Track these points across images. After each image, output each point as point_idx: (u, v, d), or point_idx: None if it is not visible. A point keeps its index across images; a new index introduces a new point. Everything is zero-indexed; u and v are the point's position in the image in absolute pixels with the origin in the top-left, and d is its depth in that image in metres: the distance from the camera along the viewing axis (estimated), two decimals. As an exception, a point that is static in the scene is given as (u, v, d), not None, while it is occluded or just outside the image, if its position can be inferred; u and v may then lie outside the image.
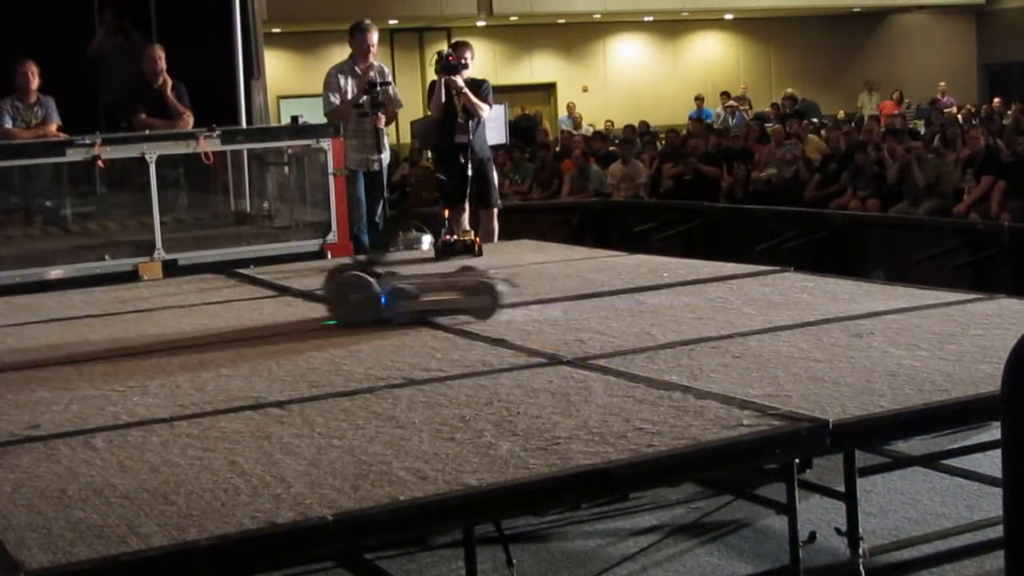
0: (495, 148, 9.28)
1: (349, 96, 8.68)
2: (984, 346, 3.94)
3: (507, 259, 6.73)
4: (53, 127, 8.48)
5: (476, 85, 8.34)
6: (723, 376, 3.74)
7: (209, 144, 7.86)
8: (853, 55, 25.58)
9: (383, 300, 4.78)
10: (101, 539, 2.61)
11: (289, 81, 19.93)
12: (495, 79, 10.74)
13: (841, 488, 3.61)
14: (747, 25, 25.47)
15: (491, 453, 3.08)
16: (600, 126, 21.25)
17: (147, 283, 7.11)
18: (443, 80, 8.15)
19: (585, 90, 24.35)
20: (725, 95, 22.74)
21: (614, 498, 4.25)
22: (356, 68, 8.80)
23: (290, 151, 8.67)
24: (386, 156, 8.92)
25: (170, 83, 8.74)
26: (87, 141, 7.61)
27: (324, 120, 8.60)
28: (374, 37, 8.87)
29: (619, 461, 2.99)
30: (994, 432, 3.94)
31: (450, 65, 8.07)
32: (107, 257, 7.56)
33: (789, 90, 22.17)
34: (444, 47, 9.82)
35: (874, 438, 3.60)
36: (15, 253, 7.72)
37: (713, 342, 4.25)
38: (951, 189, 11.67)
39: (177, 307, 5.69)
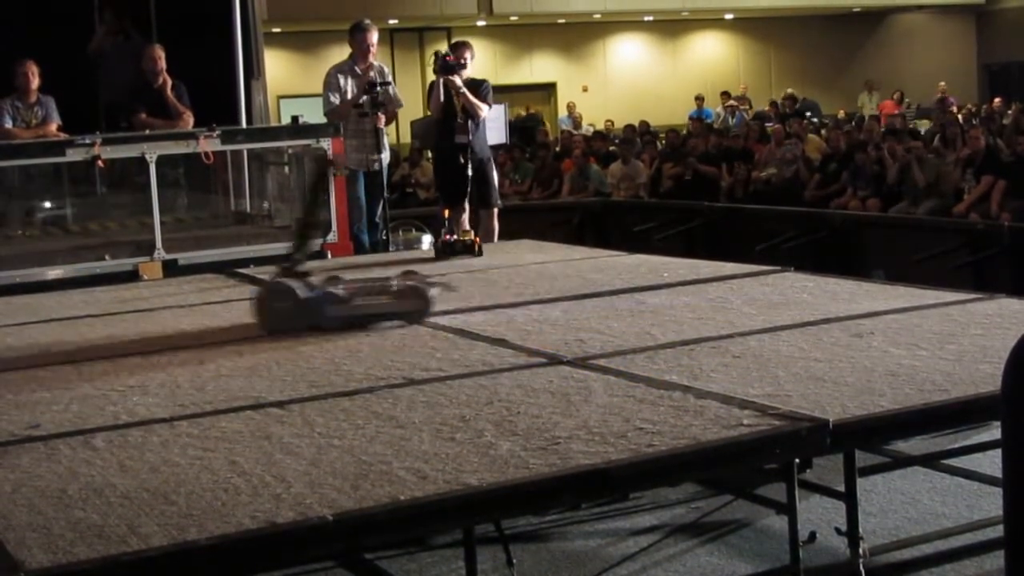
0: (495, 148, 9.29)
1: (349, 96, 8.69)
2: (984, 346, 3.94)
3: (507, 259, 6.74)
4: (53, 127, 8.49)
5: (476, 85, 8.35)
6: (723, 376, 3.74)
7: (209, 144, 7.86)
8: (853, 55, 25.59)
9: (311, 306, 4.76)
10: (101, 539, 2.61)
11: (289, 81, 19.94)
12: (495, 79, 10.74)
13: (841, 488, 3.61)
14: (747, 25, 25.48)
15: (491, 453, 3.08)
16: (600, 126, 21.27)
17: (147, 283, 7.11)
18: (442, 80, 8.15)
19: (585, 90, 24.36)
20: (725, 95, 22.75)
21: (614, 498, 4.25)
22: (356, 68, 8.80)
23: (290, 151, 8.67)
24: (386, 156, 8.93)
25: (170, 83, 8.74)
26: (87, 141, 7.61)
27: (324, 120, 8.60)
28: (374, 37, 8.88)
29: (619, 461, 2.98)
30: (994, 432, 3.94)
31: (448, 65, 8.07)
32: (107, 257, 7.56)
33: (789, 90, 22.19)
34: (444, 47, 9.82)
35: (874, 438, 3.60)
36: (15, 253, 7.72)
37: (713, 342, 4.25)
38: (951, 189, 11.67)
39: (177, 307, 5.68)
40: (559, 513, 4.22)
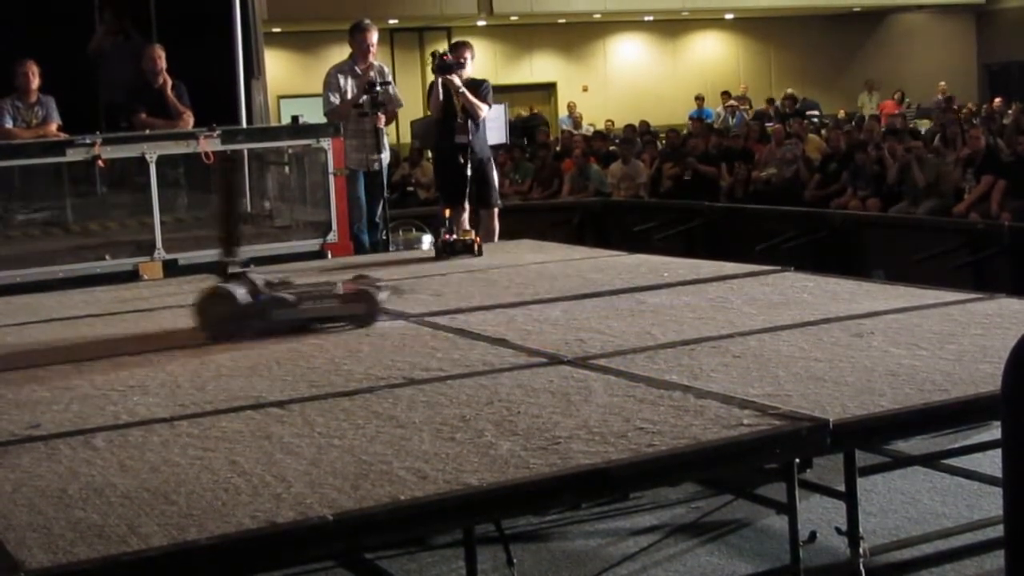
0: (495, 148, 9.29)
1: (349, 96, 8.69)
2: (984, 346, 3.94)
3: (507, 259, 6.74)
4: (53, 127, 8.49)
5: (476, 85, 8.35)
6: (723, 376, 3.74)
7: (209, 144, 7.86)
8: (853, 55, 25.59)
9: (253, 311, 4.76)
10: (101, 539, 2.61)
11: (289, 81, 19.94)
12: (495, 79, 10.74)
13: (841, 488, 3.61)
14: (747, 25, 25.49)
15: (491, 453, 3.08)
16: (600, 126, 21.27)
17: (147, 283, 7.11)
18: (440, 80, 8.15)
19: (585, 90, 24.36)
20: (726, 95, 22.76)
21: (614, 498, 4.25)
22: (356, 68, 8.81)
23: (290, 151, 8.67)
24: (386, 156, 8.93)
25: (170, 83, 8.74)
26: (87, 141, 7.61)
27: (324, 120, 8.60)
28: (374, 37, 8.88)
29: (619, 461, 2.98)
30: (994, 431, 3.94)
31: (445, 65, 8.07)
32: (107, 257, 7.56)
33: (789, 90, 22.20)
34: (444, 47, 9.83)
35: (874, 438, 3.60)
36: (15, 253, 7.72)
37: (713, 342, 4.25)
38: (951, 189, 11.67)
39: (177, 307, 5.68)
40: (559, 513, 4.22)
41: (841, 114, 20.48)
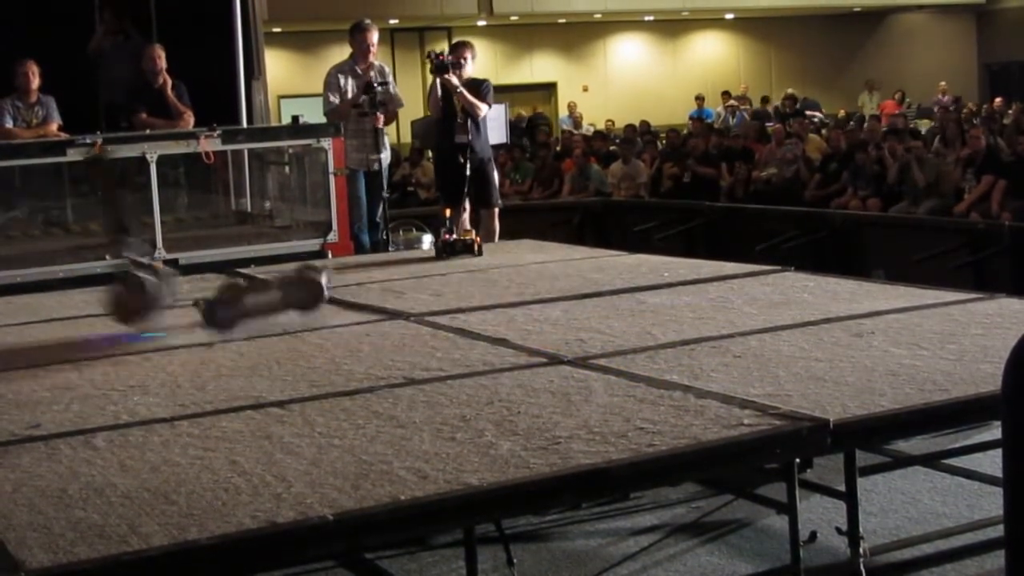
0: (495, 147, 9.28)
1: (349, 96, 8.69)
2: (984, 345, 3.94)
3: (507, 259, 6.74)
4: (54, 127, 8.49)
5: (476, 84, 8.34)
6: (724, 375, 3.74)
7: (210, 144, 7.86)
8: (853, 55, 25.58)
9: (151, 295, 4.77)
10: (102, 539, 2.61)
11: (290, 81, 19.94)
12: (495, 79, 10.71)
13: (842, 487, 3.61)
14: (747, 25, 25.48)
15: (492, 453, 3.08)
16: (601, 126, 21.27)
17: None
18: (438, 80, 8.15)
19: (586, 90, 24.35)
20: (726, 95, 22.76)
21: (615, 498, 4.25)
22: (356, 68, 8.81)
23: (291, 151, 8.67)
24: (386, 156, 8.93)
25: (170, 83, 8.74)
26: (88, 141, 7.61)
27: (324, 120, 8.60)
28: (374, 37, 8.87)
29: (620, 461, 2.99)
30: (995, 431, 3.94)
31: (442, 65, 8.06)
32: (107, 257, 7.56)
33: (789, 90, 22.18)
34: (445, 47, 9.84)
35: (875, 438, 3.59)
36: (15, 253, 7.72)
37: (714, 341, 4.25)
38: (951, 189, 11.67)
39: (177, 307, 5.68)
40: (559, 513, 4.22)
41: (841, 114, 20.49)
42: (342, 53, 9.60)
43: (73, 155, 7.63)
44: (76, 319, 5.53)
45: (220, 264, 7.31)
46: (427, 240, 8.57)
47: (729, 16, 25.02)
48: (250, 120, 9.30)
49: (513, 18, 22.78)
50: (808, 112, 20.17)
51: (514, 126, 17.26)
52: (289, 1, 17.21)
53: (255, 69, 9.56)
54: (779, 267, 5.91)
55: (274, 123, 11.03)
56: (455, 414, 3.46)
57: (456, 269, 6.42)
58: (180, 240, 7.92)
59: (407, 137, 16.33)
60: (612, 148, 16.23)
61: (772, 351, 4.06)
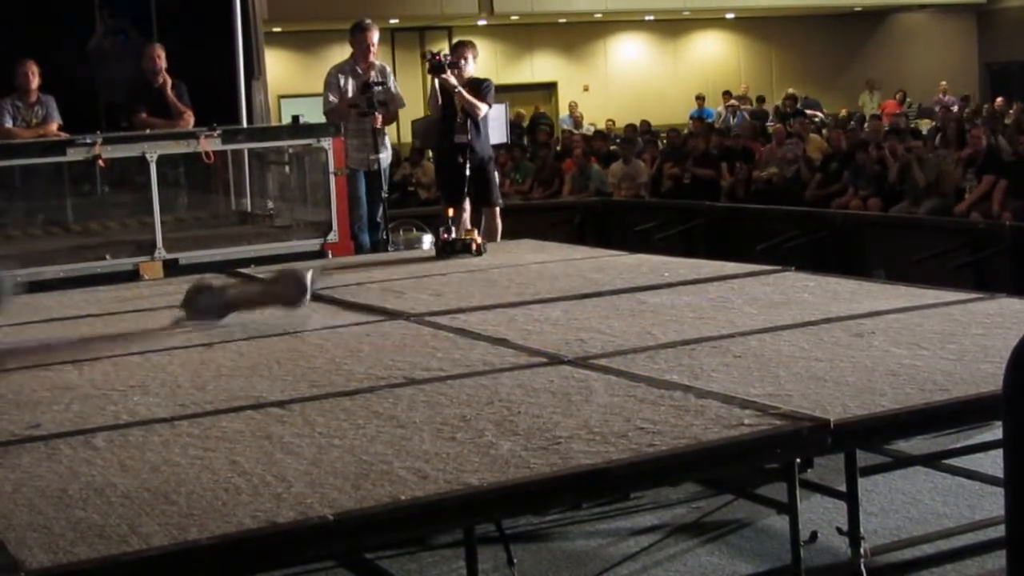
0: (496, 147, 9.28)
1: (350, 96, 8.68)
2: (985, 345, 3.94)
3: (508, 258, 6.73)
4: (54, 126, 8.49)
5: (477, 84, 8.34)
6: (724, 375, 3.74)
7: (210, 143, 7.86)
8: (854, 54, 25.58)
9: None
10: (102, 539, 2.61)
11: (290, 80, 19.93)
12: (496, 79, 10.68)
13: (842, 488, 3.61)
14: (748, 24, 25.48)
15: (492, 453, 3.07)
16: (601, 125, 21.26)
17: (148, 282, 7.11)
18: (436, 80, 8.15)
19: (586, 89, 24.35)
20: (727, 94, 22.76)
21: (615, 498, 4.25)
22: (357, 68, 8.81)
23: (291, 150, 8.67)
24: (387, 155, 8.93)
25: (170, 82, 8.74)
26: (88, 140, 7.61)
27: (324, 119, 8.60)
28: (375, 36, 8.87)
29: (620, 461, 2.98)
30: (995, 431, 3.93)
31: (438, 64, 8.05)
32: (108, 256, 7.56)
33: (790, 90, 22.18)
34: (445, 46, 9.84)
35: (875, 438, 3.59)
36: (15, 253, 7.71)
37: (714, 341, 4.25)
38: (952, 188, 11.66)
39: (178, 307, 5.68)
40: (560, 513, 4.22)
41: (843, 113, 20.48)
42: (342, 53, 9.60)
43: (73, 155, 7.63)
44: (76, 319, 5.53)
45: (220, 264, 7.31)
46: (427, 240, 8.56)
47: (730, 16, 25.02)
48: (250, 120, 9.30)
49: (513, 18, 22.78)
50: (809, 112, 20.16)
51: (514, 125, 17.25)
52: (289, 1, 17.21)
53: (255, 69, 9.57)
54: (779, 267, 5.91)
55: (274, 123, 11.04)
56: (455, 414, 3.46)
57: (456, 269, 6.42)
58: (180, 240, 7.92)
59: (407, 137, 16.33)
60: (612, 148, 16.22)
61: (772, 351, 4.05)
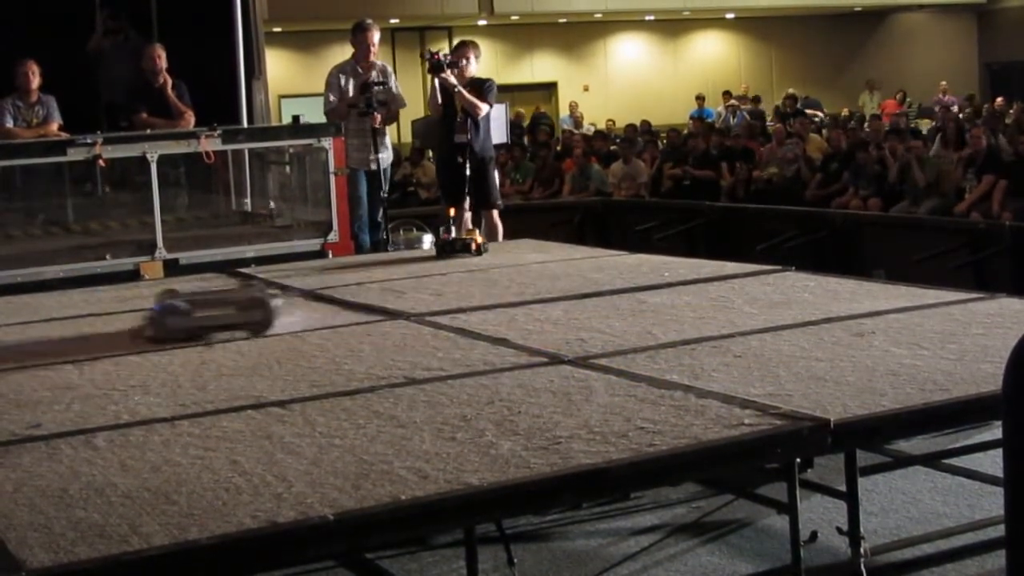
0: (496, 147, 9.28)
1: (351, 95, 8.68)
2: (985, 345, 3.94)
3: (508, 258, 6.74)
4: (54, 126, 8.48)
5: (479, 84, 8.33)
6: (724, 375, 3.74)
7: (210, 143, 7.86)
8: (854, 54, 25.57)
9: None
10: (102, 538, 2.61)
11: (290, 80, 19.93)
12: (496, 78, 10.68)
13: (842, 487, 3.61)
14: (748, 24, 25.47)
15: (492, 452, 3.08)
16: (601, 125, 21.26)
17: (148, 282, 7.11)
18: (437, 79, 8.15)
19: (586, 89, 24.34)
20: (727, 94, 22.75)
21: (615, 497, 4.25)
22: (357, 68, 8.81)
23: (291, 150, 8.67)
24: (388, 155, 8.92)
25: (171, 82, 8.74)
26: (88, 140, 7.61)
27: (325, 119, 8.60)
28: (375, 36, 8.87)
29: (620, 460, 2.98)
30: (995, 431, 3.94)
31: (437, 64, 8.05)
32: (108, 256, 7.56)
33: (790, 90, 22.17)
34: (445, 46, 9.83)
35: (875, 437, 3.60)
36: (16, 252, 7.72)
37: (714, 341, 4.25)
38: (952, 188, 11.66)
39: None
40: (560, 513, 4.22)
41: (844, 112, 20.46)
42: (343, 53, 9.60)
43: (73, 155, 7.63)
44: (77, 319, 5.53)
45: (220, 264, 7.31)
46: (427, 240, 8.56)
47: (730, 16, 25.01)
48: (250, 120, 9.29)
49: (514, 18, 22.78)
50: (809, 111, 20.16)
51: (515, 125, 17.25)
52: (289, 1, 17.21)
53: (255, 69, 9.56)
54: (780, 267, 5.91)
55: (274, 123, 11.03)
56: (456, 414, 3.46)
57: (456, 269, 6.42)
58: (181, 240, 7.91)
59: (407, 137, 16.32)
60: (613, 148, 16.22)
61: (773, 351, 4.06)
